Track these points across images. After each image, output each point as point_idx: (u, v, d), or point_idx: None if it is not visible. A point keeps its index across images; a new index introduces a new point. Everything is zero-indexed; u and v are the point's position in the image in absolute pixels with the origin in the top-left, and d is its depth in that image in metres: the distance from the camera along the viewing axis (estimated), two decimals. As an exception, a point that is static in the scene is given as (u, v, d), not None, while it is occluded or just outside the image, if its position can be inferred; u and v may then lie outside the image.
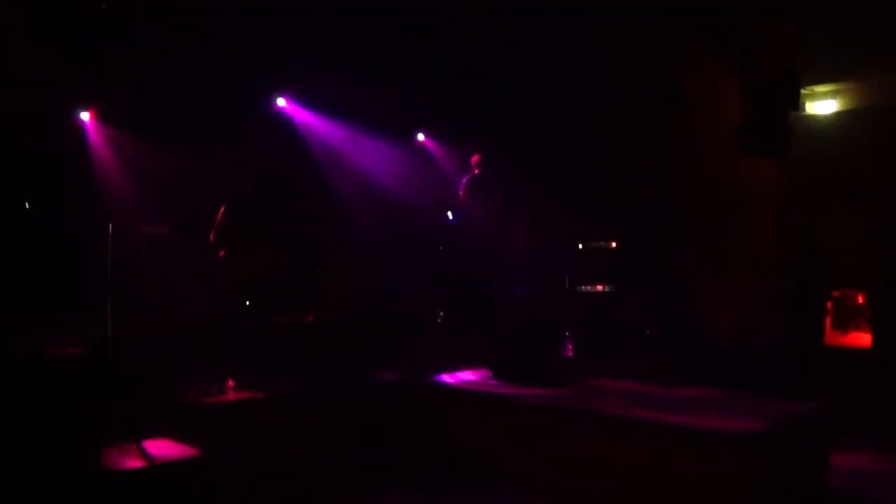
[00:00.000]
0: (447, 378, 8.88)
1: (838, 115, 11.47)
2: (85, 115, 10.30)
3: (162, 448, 6.43)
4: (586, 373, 8.82)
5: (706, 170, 11.54)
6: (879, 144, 10.58)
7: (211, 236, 9.10)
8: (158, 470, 6.02)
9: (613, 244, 11.37)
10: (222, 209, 9.13)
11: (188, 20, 9.89)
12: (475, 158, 10.89)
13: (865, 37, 10.34)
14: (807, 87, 11.21)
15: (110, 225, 7.68)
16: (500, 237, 10.68)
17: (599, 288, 11.17)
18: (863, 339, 11.09)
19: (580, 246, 11.42)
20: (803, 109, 11.32)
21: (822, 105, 11.65)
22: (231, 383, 8.44)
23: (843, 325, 11.73)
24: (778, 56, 10.20)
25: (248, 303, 9.12)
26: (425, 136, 12.95)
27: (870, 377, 10.17)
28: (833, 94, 11.65)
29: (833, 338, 11.40)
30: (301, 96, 11.53)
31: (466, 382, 8.66)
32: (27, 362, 5.97)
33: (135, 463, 6.03)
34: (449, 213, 10.78)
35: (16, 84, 9.48)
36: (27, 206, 9.73)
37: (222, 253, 9.08)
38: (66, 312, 8.51)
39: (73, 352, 6.72)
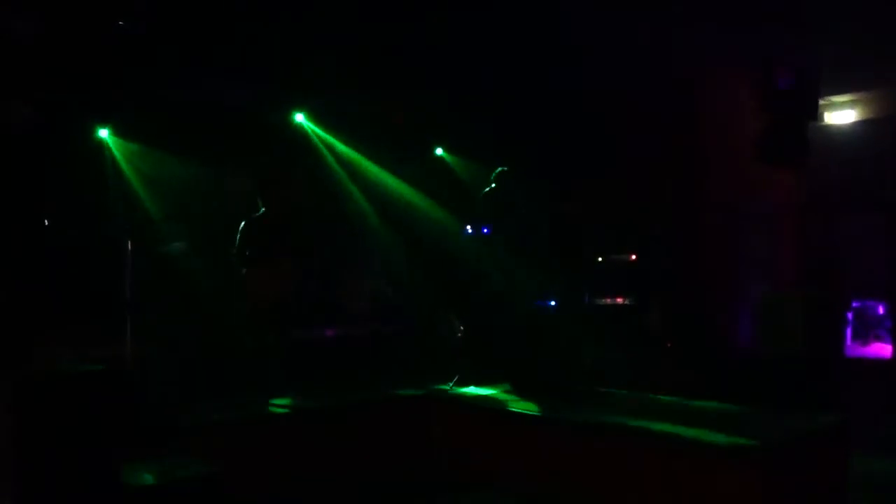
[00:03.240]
0: (466, 391, 8.89)
1: (857, 124, 11.45)
2: (104, 131, 10.34)
3: (182, 465, 6.43)
4: (606, 386, 8.82)
5: (725, 180, 11.50)
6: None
7: (235, 253, 9.10)
8: (178, 486, 6.02)
9: (633, 257, 11.33)
10: (243, 225, 9.13)
11: (207, 36, 9.93)
12: (494, 173, 10.89)
13: (884, 47, 10.32)
14: (825, 98, 11.21)
15: (129, 241, 7.70)
16: (517, 251, 10.66)
17: (619, 301, 11.12)
18: (883, 349, 11.04)
19: (599, 259, 11.37)
20: (821, 120, 11.31)
21: (841, 115, 11.63)
22: (253, 399, 8.46)
23: (863, 336, 11.69)
24: (796, 67, 10.21)
25: (268, 319, 9.11)
26: (443, 149, 12.96)
27: (891, 388, 10.11)
28: (851, 105, 11.63)
29: (853, 349, 11.35)
30: (319, 111, 11.54)
31: (486, 396, 8.65)
32: (47, 377, 5.99)
33: (155, 479, 6.03)
34: (468, 228, 10.76)
35: (35, 99, 9.54)
36: (46, 223, 9.76)
37: (245, 269, 9.07)
38: (85, 328, 8.55)
39: (93, 367, 6.73)
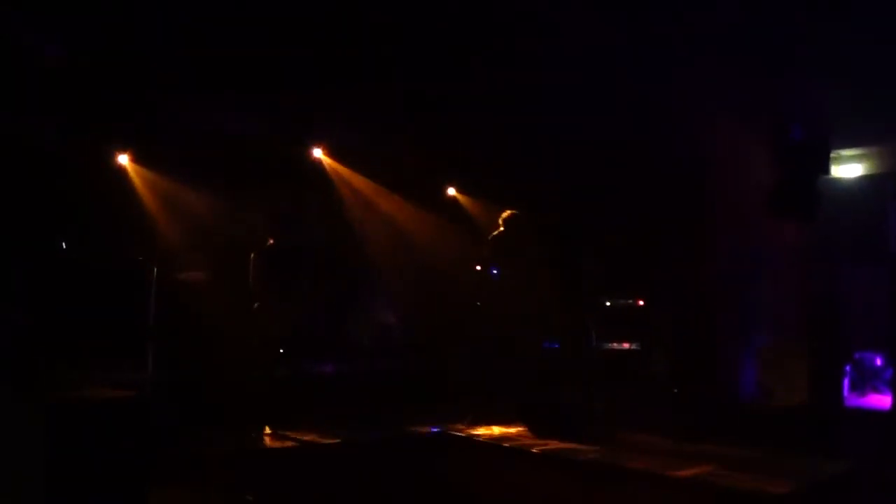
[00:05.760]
0: (480, 431, 8.92)
1: (863, 178, 11.59)
2: (123, 158, 10.41)
3: (205, 495, 6.46)
4: (616, 430, 8.85)
5: (732, 230, 11.60)
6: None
7: (251, 285, 9.12)
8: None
9: (640, 302, 11.38)
10: (252, 258, 9.15)
11: (230, 68, 10.00)
12: (503, 216, 10.98)
13: (891, 102, 10.47)
14: (833, 152, 11.35)
15: (155, 269, 7.74)
16: (522, 293, 10.71)
17: (626, 346, 11.15)
18: (881, 401, 11.10)
19: (607, 303, 11.41)
20: (828, 173, 11.44)
21: (848, 169, 11.77)
22: (268, 431, 8.48)
23: (860, 387, 11.75)
24: (807, 121, 10.35)
25: (278, 351, 9.15)
26: (456, 189, 13.07)
27: (891, 440, 10.16)
28: (858, 159, 11.77)
29: (851, 400, 11.40)
30: (337, 148, 11.62)
31: (500, 437, 8.68)
32: (80, 402, 6.02)
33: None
34: (478, 267, 10.84)
35: (56, 124, 9.61)
36: (63, 246, 9.79)
37: (257, 303, 9.09)
38: (107, 352, 8.55)
39: (118, 394, 6.76)
